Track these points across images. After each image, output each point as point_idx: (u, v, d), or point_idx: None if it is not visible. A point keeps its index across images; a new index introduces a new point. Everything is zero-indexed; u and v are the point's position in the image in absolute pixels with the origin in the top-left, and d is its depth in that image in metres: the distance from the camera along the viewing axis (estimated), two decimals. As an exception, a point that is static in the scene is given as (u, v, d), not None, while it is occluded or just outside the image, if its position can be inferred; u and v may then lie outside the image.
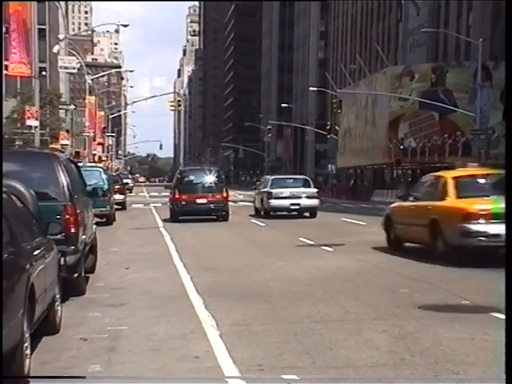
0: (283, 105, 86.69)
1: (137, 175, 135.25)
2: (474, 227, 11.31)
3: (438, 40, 53.87)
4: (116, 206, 24.65)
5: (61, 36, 56.51)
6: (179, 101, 57.00)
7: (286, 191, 25.08)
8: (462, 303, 8.39)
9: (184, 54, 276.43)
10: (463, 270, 11.51)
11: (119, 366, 5.73)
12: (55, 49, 44.08)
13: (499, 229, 10.21)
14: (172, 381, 4.70)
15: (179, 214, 23.20)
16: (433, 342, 6.42)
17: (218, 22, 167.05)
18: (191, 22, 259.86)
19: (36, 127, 29.24)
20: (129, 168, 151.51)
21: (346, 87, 65.82)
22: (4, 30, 30.34)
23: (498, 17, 45.94)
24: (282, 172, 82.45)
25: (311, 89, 71.94)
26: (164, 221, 22.92)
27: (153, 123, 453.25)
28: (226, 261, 12.64)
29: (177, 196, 23.48)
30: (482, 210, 11.34)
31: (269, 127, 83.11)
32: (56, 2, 65.37)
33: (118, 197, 27.36)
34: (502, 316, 7.50)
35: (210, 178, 24.18)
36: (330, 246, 14.92)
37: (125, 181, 42.19)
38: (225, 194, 23.68)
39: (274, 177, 28.72)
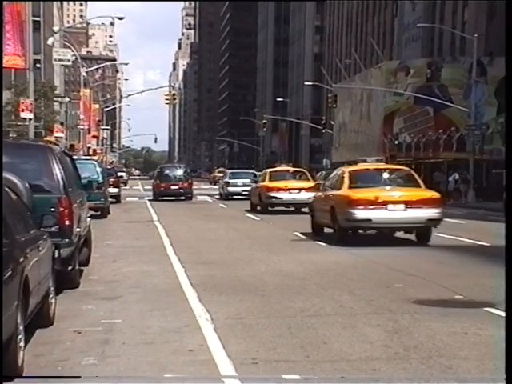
0: (278, 99, 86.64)
1: (132, 169, 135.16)
2: (355, 212, 13.47)
3: (433, 35, 53.90)
4: (110, 199, 24.63)
5: (55, 28, 56.29)
6: (174, 94, 56.89)
7: (239, 181, 34.20)
8: (455, 298, 8.42)
9: (179, 47, 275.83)
10: (457, 265, 11.55)
11: (113, 358, 5.73)
12: (50, 41, 43.86)
13: (372, 214, 13.42)
14: (168, 380, 4.71)
15: (159, 195, 33.61)
16: (426, 336, 6.45)
17: (214, 16, 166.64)
18: (186, 15, 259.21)
19: (30, 119, 29.13)
20: (123, 161, 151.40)
21: (342, 82, 65.80)
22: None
23: (493, 13, 45.98)
24: (278, 166, 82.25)
25: (306, 83, 71.90)
26: (158, 214, 22.92)
27: (148, 117, 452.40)
28: (221, 254, 12.65)
29: (157, 183, 34.52)
30: (363, 198, 13.58)
31: (264, 121, 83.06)
32: (51, -6, 65.09)
33: (113, 190, 27.34)
34: (495, 311, 7.54)
35: (179, 172, 35.34)
36: (325, 240, 14.94)
37: (119, 174, 42.14)
38: (190, 182, 34.61)
39: (231, 171, 39.17)
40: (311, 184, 23.67)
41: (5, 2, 24.90)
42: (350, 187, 14.15)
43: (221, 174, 55.49)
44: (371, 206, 13.46)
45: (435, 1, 53.36)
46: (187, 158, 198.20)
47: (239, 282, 9.53)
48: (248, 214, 23.95)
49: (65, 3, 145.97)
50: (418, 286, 9.26)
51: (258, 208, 25.25)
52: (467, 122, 39.60)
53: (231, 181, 34.64)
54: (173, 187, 33.61)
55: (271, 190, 23.98)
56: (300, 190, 23.75)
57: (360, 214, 13.45)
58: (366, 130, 55.41)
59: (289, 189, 24.07)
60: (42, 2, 67.10)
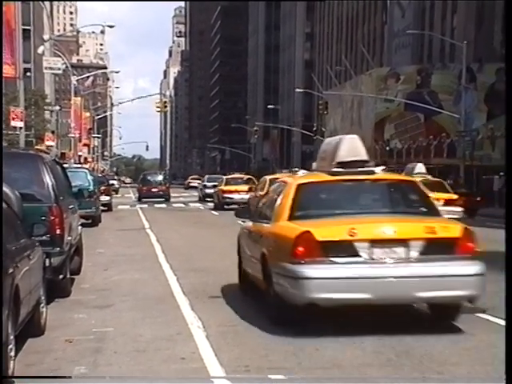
0: (269, 106, 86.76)
1: (123, 177, 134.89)
2: (304, 271, 6.71)
3: (422, 42, 54.19)
4: (102, 208, 24.54)
5: (46, 37, 56.28)
6: (165, 102, 56.93)
7: (214, 184, 37.43)
8: (446, 303, 8.42)
9: (170, 55, 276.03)
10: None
11: (105, 367, 5.72)
12: (40, 49, 43.83)
13: (340, 273, 6.68)
14: (157, 381, 4.70)
15: (142, 197, 40.10)
16: (417, 342, 6.46)
17: (204, 23, 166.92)
18: (177, 23, 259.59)
19: (21, 128, 29.06)
20: (115, 169, 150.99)
21: (332, 88, 66.03)
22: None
23: (481, 19, 46.30)
24: (268, 173, 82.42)
25: (297, 90, 72.09)
26: (150, 222, 22.88)
27: (139, 124, 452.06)
28: (213, 262, 12.63)
29: (140, 187, 41.35)
30: (325, 240, 6.76)
31: (255, 128, 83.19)
32: (41, 3, 65.06)
33: (104, 198, 27.25)
34: (486, 316, 7.56)
35: (159, 178, 42.47)
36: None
37: (111, 182, 42.08)
38: (167, 186, 41.73)
39: (208, 176, 46.66)
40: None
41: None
42: (295, 217, 7.39)
43: (194, 181, 69.91)
44: (341, 257, 6.71)
45: (424, 8, 53.68)
46: (179, 166, 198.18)
47: (231, 289, 9.52)
48: (240, 221, 23.95)
49: (55, 12, 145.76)
50: (410, 291, 9.26)
51: (218, 206, 31.31)
52: (457, 128, 39.83)
53: (208, 184, 41.64)
54: (153, 190, 40.44)
55: (226, 193, 31.04)
56: (247, 191, 28.12)
57: (316, 271, 6.66)
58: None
59: (238, 191, 30.63)
60: (31, 11, 67.03)
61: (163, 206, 35.09)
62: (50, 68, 40.36)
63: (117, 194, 50.20)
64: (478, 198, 27.69)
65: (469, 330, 6.94)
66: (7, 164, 8.53)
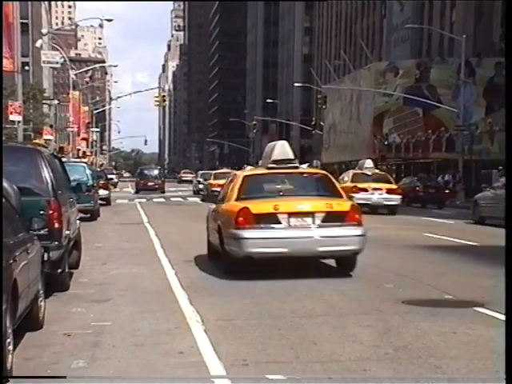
0: (268, 100, 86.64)
1: (122, 171, 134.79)
2: (243, 233, 9.63)
3: (421, 36, 54.11)
4: (100, 202, 24.53)
5: (44, 30, 56.13)
6: (164, 96, 56.87)
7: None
8: (444, 298, 8.46)
9: (168, 49, 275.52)
10: (447, 265, 11.60)
11: (103, 361, 5.72)
12: (38, 43, 43.72)
13: (268, 234, 9.60)
14: (157, 381, 4.70)
15: (139, 190, 43.96)
16: (416, 336, 6.47)
17: (203, 17, 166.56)
18: (176, 17, 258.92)
19: (19, 122, 29.03)
20: (113, 163, 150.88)
21: (331, 83, 65.94)
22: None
23: (480, 14, 46.23)
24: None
25: (296, 84, 72.02)
26: (149, 216, 22.88)
27: (137, 118, 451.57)
28: (211, 256, 12.61)
29: (138, 181, 45.79)
30: (257, 213, 9.71)
31: (254, 123, 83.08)
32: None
33: (103, 192, 27.23)
34: (484, 310, 7.58)
35: (155, 172, 46.96)
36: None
37: (109, 176, 42.08)
38: (162, 180, 46.25)
39: (201, 172, 49.04)
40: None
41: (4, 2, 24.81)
42: (241, 198, 10.28)
43: (186, 175, 75.19)
44: (268, 224, 9.66)
45: (423, 2, 53.58)
46: (177, 160, 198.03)
47: (230, 283, 9.53)
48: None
49: (53, 5, 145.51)
50: (408, 286, 9.29)
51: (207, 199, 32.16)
52: (456, 123, 39.79)
53: (201, 179, 43.01)
54: (149, 184, 44.31)
55: (213, 186, 32.20)
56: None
57: (251, 233, 9.58)
58: (356, 131, 55.55)
59: (222, 185, 32.45)
60: (29, 5, 66.86)
61: (162, 200, 35.11)
62: (49, 62, 40.29)
63: (115, 188, 50.20)
64: (447, 191, 31.27)
65: (467, 324, 6.95)
66: (5, 158, 8.53)
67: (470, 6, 46.79)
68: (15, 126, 31.06)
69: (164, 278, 10.00)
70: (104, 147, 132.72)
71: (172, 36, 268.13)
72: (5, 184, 7.38)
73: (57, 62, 40.72)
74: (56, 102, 65.84)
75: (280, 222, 9.69)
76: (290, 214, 9.72)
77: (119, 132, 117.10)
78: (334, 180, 11.21)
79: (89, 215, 20.68)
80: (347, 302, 8.16)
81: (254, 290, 8.98)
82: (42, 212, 8.42)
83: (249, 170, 11.67)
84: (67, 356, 5.86)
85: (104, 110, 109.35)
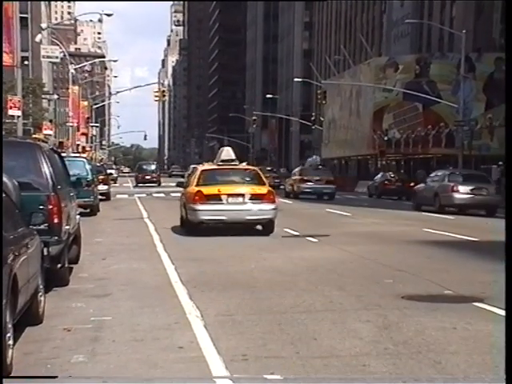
0: (268, 96, 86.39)
1: (122, 166, 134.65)
2: (198, 206, 15.21)
3: (421, 31, 54.03)
4: (100, 197, 24.50)
5: (43, 25, 56.00)
6: (163, 91, 56.76)
7: None
8: (444, 293, 8.46)
9: (168, 44, 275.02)
10: (446, 260, 11.61)
11: (103, 356, 5.72)
12: (38, 38, 43.64)
13: (214, 207, 15.10)
14: (159, 381, 4.69)
15: (139, 182, 50.60)
16: (415, 331, 6.47)
17: (203, 12, 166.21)
18: (175, 11, 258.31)
19: (18, 117, 28.95)
20: (113, 158, 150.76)
21: (331, 78, 65.88)
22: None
23: (480, 9, 46.15)
24: (266, 163, 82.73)
25: (296, 80, 71.89)
26: (148, 211, 22.88)
27: (137, 114, 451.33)
28: (211, 251, 12.64)
29: (137, 175, 53.26)
30: (207, 194, 15.19)
31: (253, 118, 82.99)
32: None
33: (102, 187, 27.22)
34: (484, 305, 7.59)
35: (152, 167, 54.96)
36: (315, 236, 14.97)
37: (109, 171, 42.03)
38: (158, 174, 53.80)
39: (193, 165, 51.31)
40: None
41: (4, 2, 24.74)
42: (198, 184, 15.67)
43: (176, 170, 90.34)
44: (214, 201, 15.07)
45: (424, -3, 53.45)
46: (177, 155, 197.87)
47: (229, 278, 9.54)
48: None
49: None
50: (408, 281, 9.30)
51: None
52: (456, 118, 39.74)
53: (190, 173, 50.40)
54: (147, 177, 51.28)
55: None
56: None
57: (202, 207, 15.09)
58: (356, 126, 55.52)
59: None
60: (29, -1, 66.67)
61: (161, 195, 35.12)
62: (48, 56, 40.19)
63: (115, 183, 50.20)
64: (412, 184, 33.14)
65: (467, 319, 6.95)
66: (5, 153, 8.52)
67: (470, 2, 46.71)
68: (15, 120, 30.98)
69: (164, 273, 10.01)
70: (103, 142, 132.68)
71: (171, 31, 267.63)
72: (4, 179, 7.37)
73: (56, 57, 40.61)
74: (55, 96, 65.78)
75: (221, 200, 15.12)
76: (229, 195, 15.18)
77: (119, 127, 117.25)
78: (261, 173, 16.64)
79: (88, 210, 20.68)
80: (347, 297, 8.16)
81: (254, 285, 8.98)
82: (41, 207, 8.42)
83: (205, 166, 17.49)
84: (67, 351, 5.86)
85: (104, 105, 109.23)
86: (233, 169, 16.32)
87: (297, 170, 36.09)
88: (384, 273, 10.00)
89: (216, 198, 15.05)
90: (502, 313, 7.12)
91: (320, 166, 37.15)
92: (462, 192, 23.52)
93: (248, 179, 16.01)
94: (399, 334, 6.36)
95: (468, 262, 11.32)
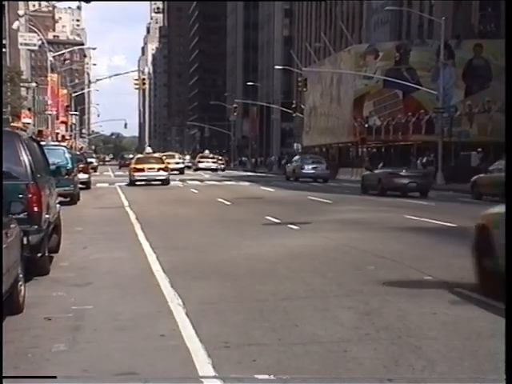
0: (249, 83, 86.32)
1: (103, 155, 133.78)
2: (133, 174, 34.38)
3: (401, 19, 54.14)
4: (80, 186, 24.37)
5: (21, 12, 55.27)
6: (144, 79, 56.39)
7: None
8: (424, 279, 8.53)
9: (148, 31, 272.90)
10: (427, 246, 11.71)
11: (84, 344, 5.70)
12: (15, 25, 43.12)
13: (141, 174, 34.14)
14: (149, 381, 4.66)
15: (121, 166, 60.76)
16: (396, 317, 6.53)
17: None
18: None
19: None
20: (93, 147, 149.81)
21: (311, 65, 65.87)
22: None
23: (460, -4, 46.25)
24: (247, 151, 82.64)
25: (276, 67, 71.80)
26: (129, 200, 22.79)
27: (117, 102, 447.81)
28: (193, 240, 12.63)
29: (120, 162, 71.51)
30: (137, 168, 34.49)
31: (234, 106, 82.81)
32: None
33: (82, 176, 27.06)
34: (463, 291, 7.67)
35: (131, 156, 61.38)
36: (297, 224, 15.01)
37: (89, 160, 41.76)
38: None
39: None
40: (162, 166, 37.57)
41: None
42: (134, 163, 35.36)
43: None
44: (140, 171, 33.96)
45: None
46: (158, 144, 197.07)
47: (211, 266, 9.54)
48: (219, 199, 23.95)
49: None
50: (389, 267, 9.36)
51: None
52: (435, 105, 39.95)
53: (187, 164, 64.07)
54: (127, 163, 54.12)
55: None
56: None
57: (135, 174, 34.04)
58: (337, 114, 55.59)
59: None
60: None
61: (142, 183, 35.00)
62: (26, 44, 39.78)
63: (95, 171, 49.88)
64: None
65: (447, 304, 7.02)
66: (-18, 141, 8.41)
67: (449, -11, 46.79)
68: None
69: (145, 262, 9.98)
70: (83, 131, 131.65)
71: (151, 18, 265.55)
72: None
73: (34, 44, 40.19)
74: (34, 84, 65.11)
75: (144, 171, 33.86)
76: (148, 169, 34.00)
77: (98, 115, 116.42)
78: (163, 158, 38.22)
79: (68, 199, 20.54)
80: (328, 284, 8.20)
81: (236, 273, 8.99)
82: (20, 196, 8.34)
83: (138, 155, 38.88)
84: (48, 340, 5.83)
85: (83, 93, 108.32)
86: (150, 157, 37.86)
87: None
88: (365, 259, 10.06)
89: (142, 170, 34.04)
90: (482, 298, 7.22)
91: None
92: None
93: (157, 162, 35.55)
94: (380, 320, 6.41)
95: (448, 247, 11.42)
